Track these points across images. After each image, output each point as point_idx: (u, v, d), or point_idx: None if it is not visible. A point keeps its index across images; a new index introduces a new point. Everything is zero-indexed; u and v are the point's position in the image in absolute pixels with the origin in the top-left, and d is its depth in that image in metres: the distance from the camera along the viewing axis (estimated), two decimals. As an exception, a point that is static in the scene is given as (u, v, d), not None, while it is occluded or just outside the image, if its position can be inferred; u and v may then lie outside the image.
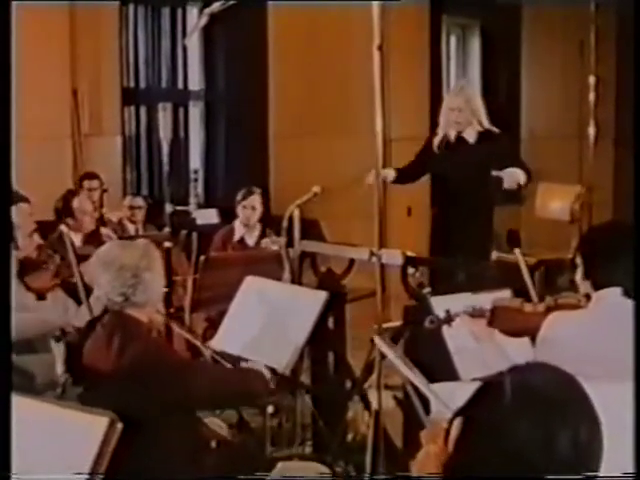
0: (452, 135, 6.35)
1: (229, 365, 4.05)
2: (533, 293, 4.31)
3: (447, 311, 3.72)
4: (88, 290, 4.70)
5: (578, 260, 3.45)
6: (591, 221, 8.12)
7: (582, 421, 1.63)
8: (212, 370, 3.90)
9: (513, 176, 6.01)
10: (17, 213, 5.22)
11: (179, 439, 3.55)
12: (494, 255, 5.77)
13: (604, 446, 1.67)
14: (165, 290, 3.80)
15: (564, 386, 1.68)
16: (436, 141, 6.40)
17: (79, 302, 5.01)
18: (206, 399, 3.76)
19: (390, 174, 6.22)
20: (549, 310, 3.55)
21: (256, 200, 7.16)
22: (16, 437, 2.58)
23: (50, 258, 5.15)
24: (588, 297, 3.45)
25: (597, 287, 3.39)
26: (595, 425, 1.65)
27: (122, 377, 3.45)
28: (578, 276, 3.47)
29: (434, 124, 9.32)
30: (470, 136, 6.27)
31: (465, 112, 6.22)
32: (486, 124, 6.27)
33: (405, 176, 6.43)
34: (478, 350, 3.58)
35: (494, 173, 6.02)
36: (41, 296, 5.10)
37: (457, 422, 1.70)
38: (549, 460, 1.59)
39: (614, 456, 1.88)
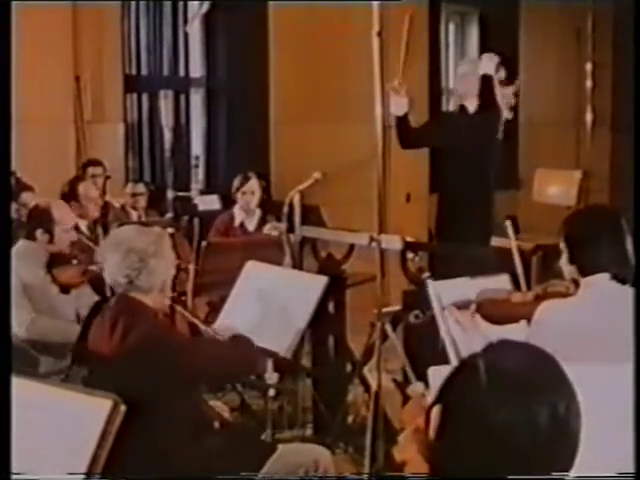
0: (455, 105, 6.30)
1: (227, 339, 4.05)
2: (523, 282, 4.35)
3: (428, 305, 3.80)
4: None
5: (562, 245, 3.44)
6: (587, 206, 8.16)
7: (558, 397, 1.62)
8: (213, 345, 3.92)
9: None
10: (57, 209, 5.28)
11: (183, 420, 3.58)
12: (493, 240, 5.80)
13: (582, 422, 1.65)
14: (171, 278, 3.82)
15: (538, 364, 1.67)
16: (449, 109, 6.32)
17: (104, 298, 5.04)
18: (209, 373, 3.83)
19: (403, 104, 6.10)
20: (538, 298, 3.59)
21: (254, 184, 7.21)
22: (19, 420, 2.58)
23: (81, 253, 5.19)
24: (576, 283, 3.43)
25: (583, 272, 3.38)
26: (572, 401, 1.64)
27: (127, 359, 3.48)
28: (563, 261, 3.45)
29: (433, 111, 9.42)
30: (471, 106, 6.18)
31: (471, 80, 6.15)
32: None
33: (412, 135, 6.23)
34: (465, 339, 3.62)
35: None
36: (65, 290, 5.14)
37: (435, 411, 1.68)
38: (526, 438, 1.58)
39: (603, 435, 1.92)
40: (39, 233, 5.14)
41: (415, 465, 1.73)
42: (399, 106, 6.06)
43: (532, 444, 1.59)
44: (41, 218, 5.18)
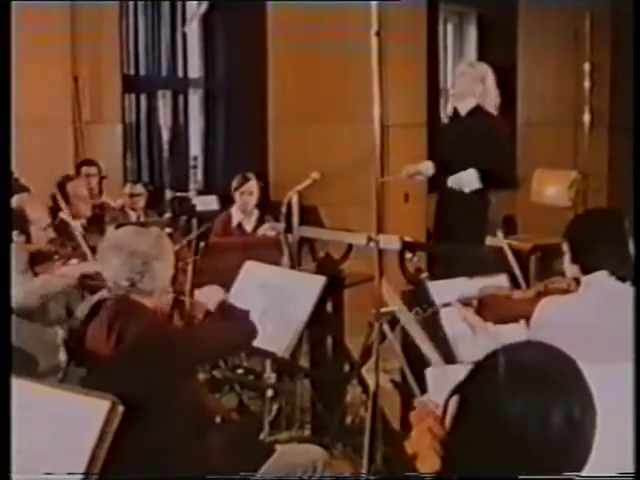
0: (450, 108, 6.30)
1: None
2: (521, 279, 4.35)
3: (431, 302, 3.80)
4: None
5: (565, 247, 3.49)
6: (586, 207, 8.17)
7: (575, 397, 1.64)
8: (208, 325, 3.90)
9: (463, 180, 5.95)
10: (31, 208, 5.25)
11: (181, 419, 3.56)
12: (488, 240, 5.79)
13: (597, 423, 1.66)
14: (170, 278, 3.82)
15: (557, 363, 1.69)
16: (443, 114, 6.36)
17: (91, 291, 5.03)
18: (207, 352, 3.83)
19: (429, 168, 6.20)
20: (539, 295, 3.60)
21: (253, 185, 7.21)
22: (18, 421, 2.59)
23: (62, 248, 5.17)
24: (577, 281, 3.48)
25: (585, 271, 3.42)
26: (588, 404, 1.65)
27: (125, 358, 3.48)
28: (565, 262, 3.50)
29: (431, 111, 9.42)
30: (463, 109, 6.18)
31: (469, 83, 6.15)
32: (489, 102, 6.18)
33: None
34: (473, 337, 3.62)
35: (450, 180, 5.97)
36: None
37: (453, 400, 1.70)
38: (543, 436, 1.60)
39: (608, 433, 1.92)
40: (15, 234, 5.09)
41: (426, 458, 1.74)
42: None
43: (545, 443, 1.61)
44: (16, 219, 5.12)
